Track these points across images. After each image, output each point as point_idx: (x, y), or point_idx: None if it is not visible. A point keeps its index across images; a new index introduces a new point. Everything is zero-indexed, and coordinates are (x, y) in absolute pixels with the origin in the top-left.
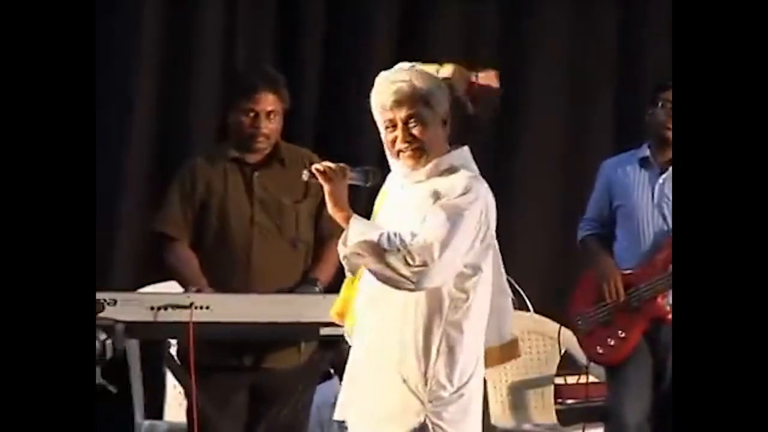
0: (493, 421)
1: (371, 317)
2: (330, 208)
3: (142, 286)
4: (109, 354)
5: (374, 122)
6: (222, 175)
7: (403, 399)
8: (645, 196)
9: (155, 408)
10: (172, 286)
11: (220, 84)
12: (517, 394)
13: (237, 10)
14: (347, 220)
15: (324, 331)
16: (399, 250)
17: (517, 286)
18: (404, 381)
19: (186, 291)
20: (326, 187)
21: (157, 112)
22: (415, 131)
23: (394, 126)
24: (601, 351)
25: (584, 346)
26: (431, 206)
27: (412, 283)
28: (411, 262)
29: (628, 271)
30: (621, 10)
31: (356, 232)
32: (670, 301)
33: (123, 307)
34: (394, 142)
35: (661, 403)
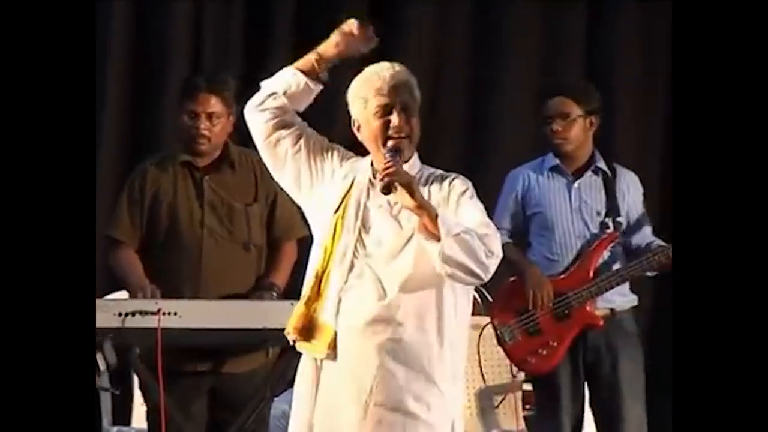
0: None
1: (367, 344)
2: (414, 207)
3: (110, 292)
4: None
5: (343, 125)
6: (172, 179)
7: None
8: (563, 203)
9: (123, 414)
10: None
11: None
12: (485, 399)
13: (205, 14)
14: (436, 218)
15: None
16: (482, 243)
17: (485, 292)
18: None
19: (131, 296)
20: (407, 189)
21: (126, 115)
22: (409, 118)
23: (389, 112)
24: (532, 360)
25: (512, 356)
26: (457, 202)
27: (486, 275)
28: (489, 253)
29: (553, 278)
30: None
31: (448, 228)
32: (597, 307)
33: None
34: (385, 127)
35: (598, 405)
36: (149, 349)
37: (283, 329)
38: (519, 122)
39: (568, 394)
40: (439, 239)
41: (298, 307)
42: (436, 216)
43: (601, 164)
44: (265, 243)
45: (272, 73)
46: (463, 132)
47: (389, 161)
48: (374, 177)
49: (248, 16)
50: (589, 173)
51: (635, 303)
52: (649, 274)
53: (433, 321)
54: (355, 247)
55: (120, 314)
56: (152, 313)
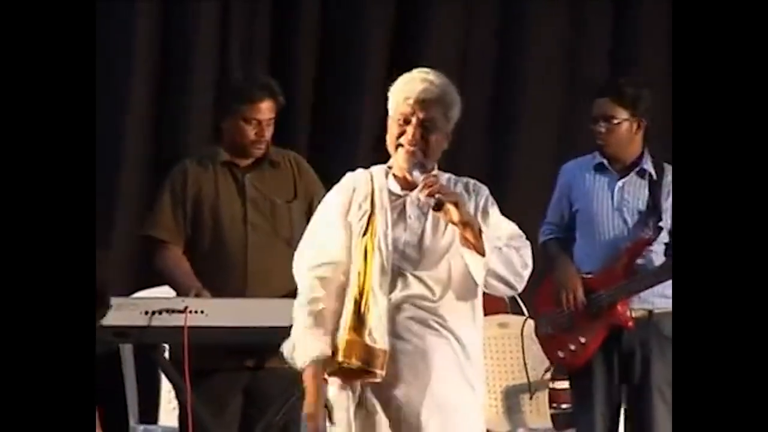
0: (487, 426)
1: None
2: (463, 226)
3: (136, 290)
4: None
5: (366, 126)
6: (213, 178)
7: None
8: (605, 201)
9: (150, 413)
10: (166, 291)
11: (213, 87)
12: (512, 398)
13: (231, 14)
14: (480, 234)
15: None
16: (519, 256)
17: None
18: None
19: (179, 295)
20: (459, 209)
21: (152, 115)
22: (426, 134)
23: (407, 122)
24: (562, 355)
25: (546, 349)
26: (483, 209)
27: (521, 287)
28: (525, 266)
29: (589, 276)
30: (614, 15)
31: (491, 243)
32: (631, 308)
33: (117, 311)
34: (399, 136)
35: (629, 409)
36: (179, 347)
37: None
38: (544, 119)
39: (602, 394)
40: (478, 251)
41: (348, 339)
42: (480, 231)
43: (648, 165)
44: None
45: (297, 74)
46: (487, 128)
47: (429, 179)
48: (387, 175)
49: (274, 15)
50: (633, 174)
51: None
52: None
53: (471, 324)
54: (393, 262)
55: (146, 312)
56: (179, 311)
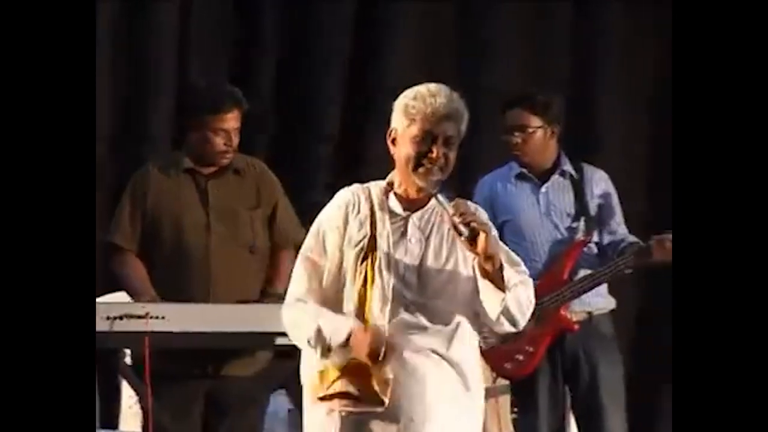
0: None
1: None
2: (487, 258)
3: (98, 295)
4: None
5: (326, 135)
6: (175, 184)
7: None
8: (532, 209)
9: (110, 418)
10: (125, 297)
11: (174, 93)
12: None
13: (191, 20)
14: (501, 268)
15: (279, 340)
16: (527, 293)
17: None
18: None
19: (135, 302)
20: (488, 239)
21: (114, 117)
22: (448, 152)
23: (432, 141)
24: (509, 366)
25: (489, 362)
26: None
27: (524, 324)
28: (530, 304)
29: None
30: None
31: (510, 280)
32: (572, 311)
33: None
34: (420, 155)
35: (578, 413)
36: (140, 352)
37: (273, 333)
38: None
39: (546, 400)
40: (496, 285)
41: (352, 365)
42: (501, 265)
43: (567, 167)
44: (268, 248)
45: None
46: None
47: (463, 206)
48: (388, 194)
49: (234, 23)
50: (555, 176)
51: (613, 306)
52: (626, 271)
53: (471, 352)
54: (394, 288)
55: (108, 318)
56: (140, 317)
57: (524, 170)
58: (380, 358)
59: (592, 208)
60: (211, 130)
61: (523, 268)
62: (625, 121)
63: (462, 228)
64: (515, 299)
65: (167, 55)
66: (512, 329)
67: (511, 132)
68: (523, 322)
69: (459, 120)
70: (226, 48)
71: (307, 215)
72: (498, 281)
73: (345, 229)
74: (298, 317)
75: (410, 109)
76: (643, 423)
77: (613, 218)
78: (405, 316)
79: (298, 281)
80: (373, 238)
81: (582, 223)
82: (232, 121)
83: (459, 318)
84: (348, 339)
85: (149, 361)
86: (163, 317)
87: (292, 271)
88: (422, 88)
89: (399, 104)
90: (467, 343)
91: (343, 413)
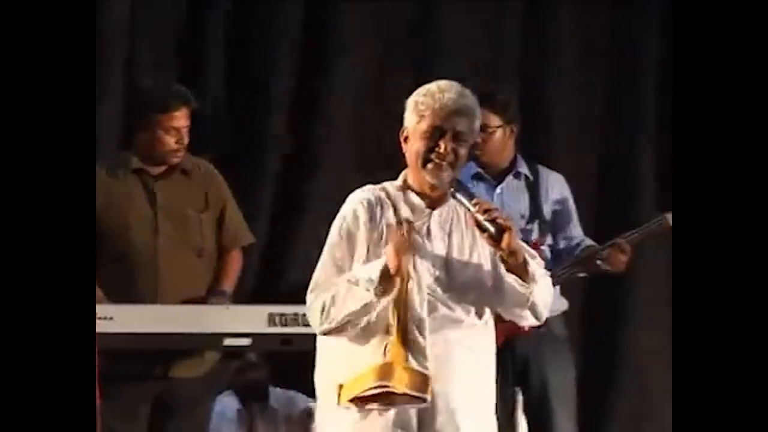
0: None
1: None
2: (512, 254)
3: None
4: None
5: (273, 135)
6: (123, 185)
7: None
8: None
9: None
10: None
11: (122, 93)
12: None
13: (136, 18)
14: (524, 259)
15: (227, 341)
16: (549, 284)
17: None
18: None
19: None
20: (512, 236)
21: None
22: (457, 148)
23: (441, 136)
24: None
25: None
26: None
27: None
28: (552, 295)
29: None
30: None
31: (536, 273)
32: None
33: None
34: (429, 151)
35: (530, 414)
36: None
37: (220, 334)
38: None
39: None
40: (523, 279)
41: (393, 364)
42: (524, 260)
43: (523, 168)
44: (216, 249)
45: (205, 81)
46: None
47: (487, 203)
48: (406, 191)
49: (181, 22)
50: (510, 177)
51: (565, 307)
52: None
53: (491, 347)
54: (428, 284)
55: None
56: None
57: (480, 170)
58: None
59: (547, 212)
60: (161, 128)
61: (539, 260)
62: (579, 122)
63: (488, 225)
64: (540, 292)
65: (114, 54)
66: (536, 323)
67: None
68: (545, 315)
69: (470, 116)
70: (174, 47)
71: (255, 216)
72: (524, 275)
73: (371, 226)
74: (335, 292)
75: (419, 106)
76: (592, 426)
77: (569, 222)
78: (444, 310)
79: (320, 283)
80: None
81: (536, 226)
82: (181, 119)
83: (488, 312)
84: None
85: (97, 362)
86: (110, 318)
87: (239, 272)
88: (432, 85)
89: (410, 102)
90: (490, 335)
91: (382, 412)
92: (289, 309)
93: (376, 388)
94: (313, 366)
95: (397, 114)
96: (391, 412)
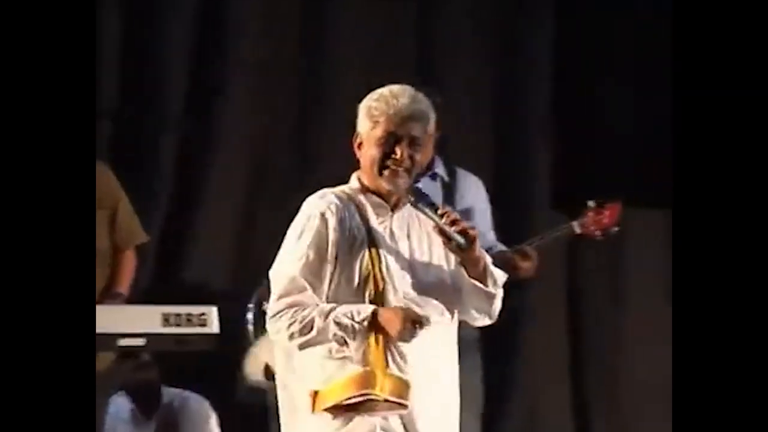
0: None
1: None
2: (476, 262)
3: None
4: None
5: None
6: None
7: None
8: None
9: None
10: None
11: None
12: None
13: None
14: (485, 265)
15: (121, 341)
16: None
17: None
18: None
19: None
20: (477, 243)
21: None
22: (413, 153)
23: (396, 142)
24: None
25: None
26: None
27: None
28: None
29: None
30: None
31: (496, 280)
32: None
33: None
34: (385, 157)
35: None
36: None
37: (115, 334)
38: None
39: None
40: (484, 284)
41: (374, 371)
42: (485, 266)
43: (440, 170)
44: (109, 249)
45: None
46: (292, 135)
47: (453, 214)
48: (365, 193)
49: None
50: (426, 179)
51: None
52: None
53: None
54: (402, 286)
55: None
56: None
57: None
58: (417, 331)
59: (461, 214)
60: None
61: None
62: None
63: (456, 236)
64: (500, 296)
65: None
66: (488, 323)
67: None
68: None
69: (425, 121)
70: None
71: (149, 215)
72: (486, 280)
73: (341, 230)
74: (301, 317)
75: (373, 111)
76: (494, 429)
77: (483, 224)
78: (419, 311)
79: (288, 288)
80: (372, 238)
81: None
82: None
83: (447, 309)
84: (373, 319)
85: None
86: None
87: (134, 272)
88: (385, 90)
89: (363, 107)
90: (454, 334)
91: (359, 417)
92: (183, 309)
93: (357, 396)
94: (208, 365)
95: (290, 100)
96: (377, 419)
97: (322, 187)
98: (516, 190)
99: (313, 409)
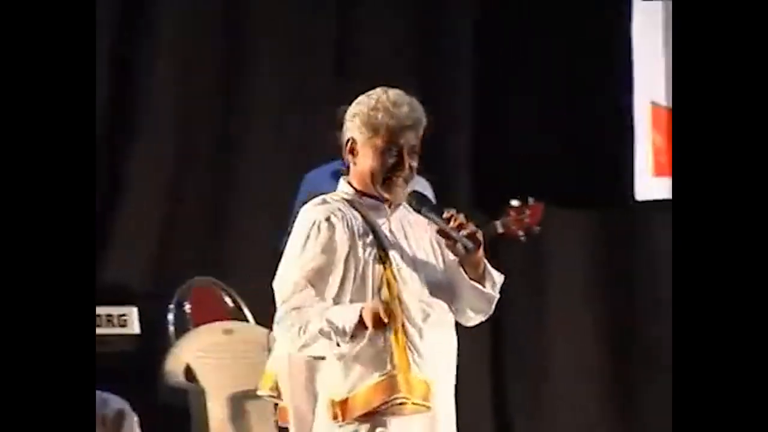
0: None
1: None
2: (479, 261)
3: None
4: None
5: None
6: None
7: None
8: None
9: None
10: None
11: None
12: (237, 405)
13: None
14: (484, 266)
15: None
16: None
17: (237, 297)
18: None
19: None
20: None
21: None
22: (411, 161)
23: (398, 152)
24: None
25: None
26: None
27: None
28: None
29: None
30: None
31: (495, 281)
32: None
33: None
34: (387, 168)
35: None
36: None
37: None
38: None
39: None
40: (482, 285)
41: (397, 375)
42: (485, 268)
43: None
44: None
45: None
46: (214, 135)
47: (461, 218)
48: (362, 197)
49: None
50: None
51: None
52: None
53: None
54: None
55: None
56: None
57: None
58: (386, 321)
59: None
60: None
61: None
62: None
63: (465, 240)
64: (497, 297)
65: None
66: (480, 320)
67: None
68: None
69: (421, 127)
70: None
71: None
72: (487, 282)
73: (348, 234)
74: (304, 319)
75: (372, 120)
76: None
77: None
78: (429, 311)
79: (293, 293)
80: (379, 240)
81: None
82: None
83: (446, 308)
84: (359, 321)
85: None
86: None
87: None
88: (383, 98)
89: (358, 113)
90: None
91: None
92: (103, 310)
93: (387, 403)
94: (128, 366)
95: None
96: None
97: (246, 189)
98: (438, 190)
99: (344, 418)
